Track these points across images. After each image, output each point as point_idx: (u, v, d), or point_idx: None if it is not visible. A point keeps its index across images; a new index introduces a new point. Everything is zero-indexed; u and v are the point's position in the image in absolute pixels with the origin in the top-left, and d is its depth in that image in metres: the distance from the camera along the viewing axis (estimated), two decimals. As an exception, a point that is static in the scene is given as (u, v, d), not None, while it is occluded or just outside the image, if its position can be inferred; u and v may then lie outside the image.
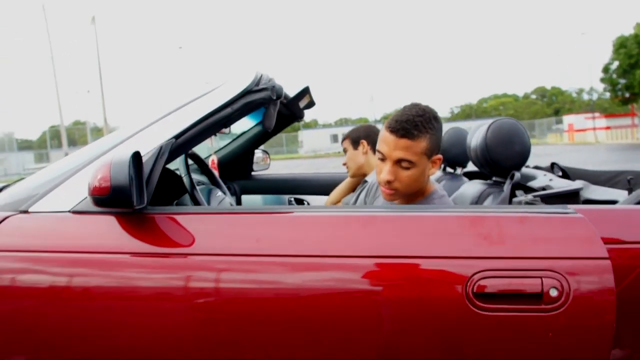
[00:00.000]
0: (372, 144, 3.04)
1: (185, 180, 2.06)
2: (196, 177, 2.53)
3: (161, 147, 1.63)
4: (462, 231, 1.53)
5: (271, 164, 3.86)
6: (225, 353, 1.46)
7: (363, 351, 1.45)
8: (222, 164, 3.49)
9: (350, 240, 1.52)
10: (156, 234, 1.55)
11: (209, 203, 2.18)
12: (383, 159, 1.92)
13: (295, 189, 3.72)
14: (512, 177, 2.09)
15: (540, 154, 28.47)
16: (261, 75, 1.84)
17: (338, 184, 3.30)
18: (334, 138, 62.97)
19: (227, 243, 1.52)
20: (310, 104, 2.95)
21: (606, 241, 1.44)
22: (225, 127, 1.88)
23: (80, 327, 1.50)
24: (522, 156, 2.09)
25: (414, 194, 1.98)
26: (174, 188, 2.19)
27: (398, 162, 1.89)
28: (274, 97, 1.82)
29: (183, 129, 1.70)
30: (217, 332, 1.46)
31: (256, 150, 3.66)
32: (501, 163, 2.09)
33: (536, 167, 2.82)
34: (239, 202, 3.58)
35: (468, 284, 1.44)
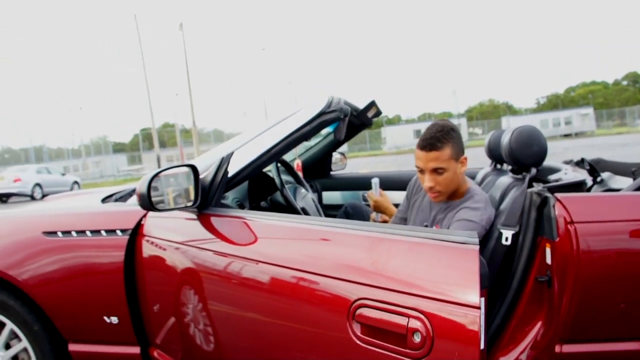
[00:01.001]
0: None
1: (277, 181, 2.64)
2: (285, 177, 3.11)
3: (222, 159, 2.17)
4: (361, 253, 1.62)
5: (355, 161, 4.40)
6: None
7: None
8: (305, 166, 4.06)
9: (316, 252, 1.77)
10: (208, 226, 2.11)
11: (295, 199, 2.75)
12: (422, 172, 2.39)
13: (369, 185, 4.26)
14: (529, 172, 2.56)
15: (629, 143, 27.76)
16: (332, 99, 2.40)
17: (401, 181, 3.80)
18: (417, 133, 62.51)
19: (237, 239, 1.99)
20: (377, 113, 3.51)
21: (573, 220, 1.92)
22: (306, 140, 2.44)
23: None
24: (540, 155, 2.54)
25: (455, 191, 2.46)
26: (269, 187, 2.78)
27: (434, 170, 2.35)
28: (342, 117, 2.38)
29: (274, 144, 2.28)
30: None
31: (334, 153, 4.22)
32: (522, 161, 2.56)
33: (566, 162, 3.24)
34: (320, 198, 4.15)
35: (351, 309, 1.50)
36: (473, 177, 3.44)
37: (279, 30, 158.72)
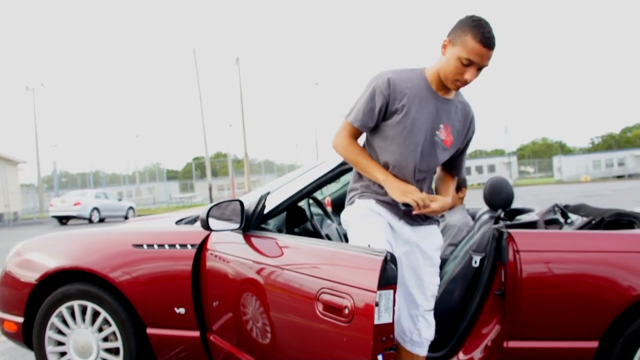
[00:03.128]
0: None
1: (307, 213, 3.43)
2: (315, 210, 3.90)
3: (261, 197, 2.99)
4: (322, 259, 2.42)
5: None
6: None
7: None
8: (337, 202, 4.86)
9: (300, 258, 2.57)
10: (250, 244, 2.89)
11: (321, 227, 3.53)
12: (468, 65, 2.41)
13: None
14: (497, 212, 3.31)
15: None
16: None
17: None
18: (466, 171, 62.45)
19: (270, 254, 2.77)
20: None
21: (518, 249, 2.67)
22: (329, 183, 3.24)
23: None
24: (506, 200, 3.30)
25: None
26: (302, 217, 3.57)
27: (479, 69, 2.43)
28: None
29: (305, 186, 3.08)
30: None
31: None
32: (493, 204, 3.32)
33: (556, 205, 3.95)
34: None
35: (317, 295, 2.27)
36: (474, 216, 4.16)
37: (332, 65, 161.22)
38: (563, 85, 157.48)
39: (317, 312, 2.26)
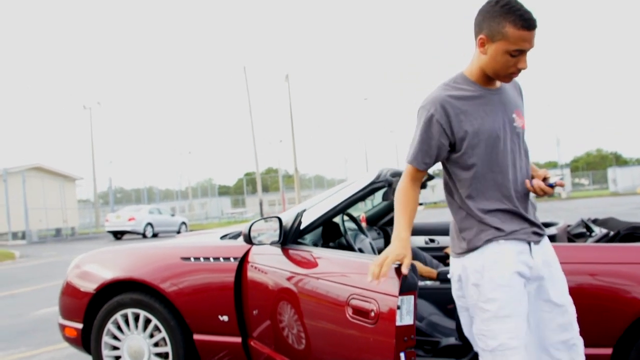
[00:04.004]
0: None
1: (341, 228, 3.67)
2: (349, 225, 4.14)
3: (298, 214, 3.24)
4: (351, 269, 2.71)
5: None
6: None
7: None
8: (373, 218, 5.07)
9: (332, 268, 2.86)
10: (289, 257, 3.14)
11: (354, 242, 3.76)
12: (517, 54, 2.19)
13: (429, 231, 5.22)
14: None
15: None
16: (381, 172, 3.42)
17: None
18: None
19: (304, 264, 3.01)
20: (429, 178, 4.51)
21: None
22: (362, 200, 3.47)
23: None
24: None
25: None
26: (336, 232, 3.82)
27: (524, 52, 2.22)
28: (387, 185, 3.39)
29: (338, 203, 3.32)
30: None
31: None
32: None
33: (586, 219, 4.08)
34: (387, 242, 5.14)
35: (348, 300, 2.56)
36: None
37: (381, 80, 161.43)
38: (618, 95, 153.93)
39: (347, 315, 2.54)
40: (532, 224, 2.38)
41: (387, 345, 2.32)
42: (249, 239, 3.21)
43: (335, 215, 3.37)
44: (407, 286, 2.29)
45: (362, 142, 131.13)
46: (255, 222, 3.23)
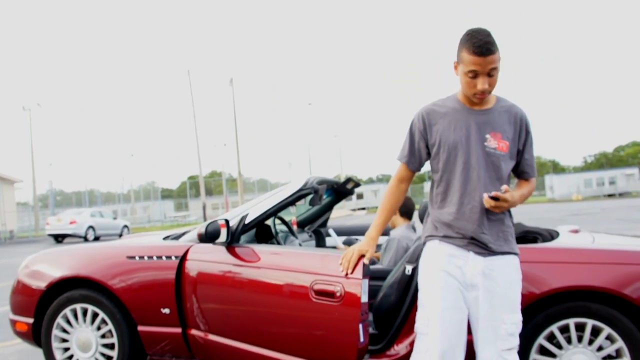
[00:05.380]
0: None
1: (272, 230, 4.08)
2: (281, 228, 4.55)
3: (242, 217, 3.65)
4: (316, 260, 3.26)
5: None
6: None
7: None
8: (304, 221, 5.51)
9: (295, 261, 3.35)
10: (234, 254, 3.57)
11: (285, 242, 4.18)
12: (476, 76, 2.56)
13: (351, 231, 5.69)
14: None
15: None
16: (308, 180, 3.85)
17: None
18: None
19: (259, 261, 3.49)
20: (356, 185, 4.97)
21: None
22: (290, 206, 3.89)
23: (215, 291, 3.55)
24: None
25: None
26: (268, 233, 4.23)
27: (487, 74, 2.56)
28: (313, 193, 3.82)
29: (270, 207, 3.73)
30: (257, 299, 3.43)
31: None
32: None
33: None
34: (319, 242, 5.58)
35: (311, 285, 3.17)
36: None
37: (325, 85, 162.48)
38: (558, 104, 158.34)
39: (312, 297, 3.16)
40: (476, 235, 2.69)
41: (352, 317, 3.03)
42: (206, 238, 3.61)
43: (267, 218, 3.78)
44: (365, 272, 3.01)
45: (307, 147, 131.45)
46: (211, 223, 3.63)
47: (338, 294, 3.06)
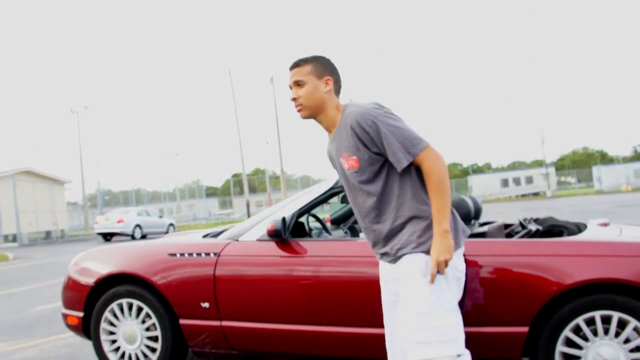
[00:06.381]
0: None
1: (306, 227, 4.25)
2: (315, 225, 4.72)
3: (293, 214, 3.82)
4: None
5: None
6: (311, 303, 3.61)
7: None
8: (339, 219, 5.66)
9: (351, 249, 3.60)
10: (291, 248, 3.76)
11: (318, 238, 4.35)
12: (291, 89, 2.77)
13: None
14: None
15: None
16: (338, 179, 4.01)
17: None
18: (504, 182, 62.00)
19: (314, 252, 3.67)
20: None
21: (466, 253, 3.38)
22: (323, 203, 4.05)
23: (257, 288, 3.74)
24: (465, 216, 4.02)
25: (320, 108, 2.74)
26: (302, 230, 4.41)
27: (296, 84, 2.73)
28: (343, 191, 3.98)
29: (302, 205, 3.90)
30: (310, 293, 3.61)
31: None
32: None
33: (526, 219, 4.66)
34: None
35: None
36: None
37: (367, 81, 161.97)
38: (607, 93, 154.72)
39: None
40: (374, 246, 2.83)
41: None
42: (281, 233, 3.72)
43: (301, 215, 3.96)
44: None
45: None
46: (284, 218, 3.77)
47: None
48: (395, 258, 2.70)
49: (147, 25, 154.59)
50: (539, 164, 73.27)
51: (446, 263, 2.52)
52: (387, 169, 2.63)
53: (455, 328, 2.55)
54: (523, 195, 58.84)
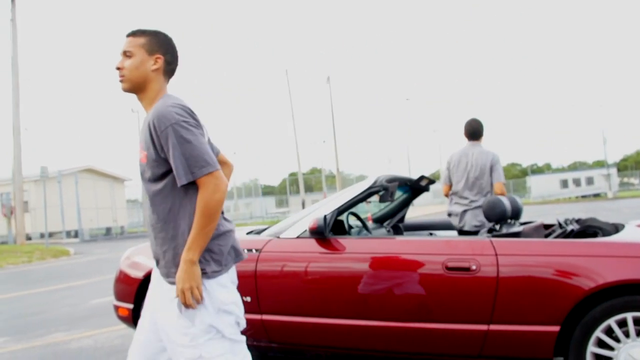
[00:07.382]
0: None
1: (345, 225, 4.36)
2: (354, 223, 4.82)
3: (333, 212, 3.93)
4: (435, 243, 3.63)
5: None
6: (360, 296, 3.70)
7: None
8: (382, 217, 5.74)
9: (390, 247, 3.70)
10: (331, 245, 3.87)
11: (358, 236, 4.44)
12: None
13: (430, 227, 5.88)
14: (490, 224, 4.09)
15: None
16: (377, 179, 4.10)
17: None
18: (564, 183, 61.13)
19: (353, 249, 3.78)
20: (431, 182, 5.17)
21: (496, 253, 3.43)
22: (362, 202, 4.15)
23: (294, 283, 3.86)
24: (501, 216, 4.06)
25: (142, 86, 2.51)
26: (341, 228, 4.51)
27: (124, 54, 2.50)
28: (383, 190, 4.07)
29: (342, 203, 4.01)
30: (356, 288, 3.71)
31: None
32: (487, 218, 4.12)
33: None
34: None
35: (444, 262, 3.45)
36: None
37: (423, 81, 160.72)
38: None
39: (444, 272, 3.47)
40: (157, 263, 2.54)
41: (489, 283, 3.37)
42: (323, 231, 3.83)
43: (340, 214, 4.06)
44: None
45: (405, 142, 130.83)
46: (325, 216, 3.86)
47: (474, 267, 3.40)
48: (167, 279, 2.49)
49: (205, 25, 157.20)
50: (600, 164, 71.50)
51: (192, 291, 2.32)
52: (173, 177, 2.40)
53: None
54: (583, 197, 57.48)
